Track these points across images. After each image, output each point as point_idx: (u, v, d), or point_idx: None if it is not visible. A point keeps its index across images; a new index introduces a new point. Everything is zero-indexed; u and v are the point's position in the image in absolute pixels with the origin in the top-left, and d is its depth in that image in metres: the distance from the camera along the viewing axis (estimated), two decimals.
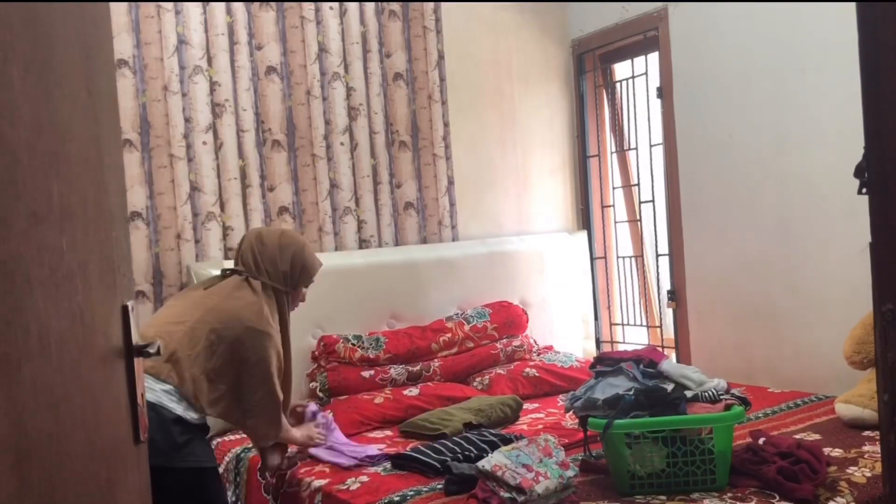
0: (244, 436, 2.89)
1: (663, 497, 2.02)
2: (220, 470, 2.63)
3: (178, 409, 2.04)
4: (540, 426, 2.78)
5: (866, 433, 2.40)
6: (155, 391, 2.02)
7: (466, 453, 2.34)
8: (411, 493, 2.17)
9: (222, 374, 2.10)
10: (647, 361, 2.23)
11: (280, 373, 2.19)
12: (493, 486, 1.98)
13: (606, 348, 4.18)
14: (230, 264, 3.10)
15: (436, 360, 3.31)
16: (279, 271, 2.25)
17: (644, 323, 4.05)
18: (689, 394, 2.16)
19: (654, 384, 2.13)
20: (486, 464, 2.03)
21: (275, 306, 2.24)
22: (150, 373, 2.02)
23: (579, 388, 2.31)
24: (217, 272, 2.39)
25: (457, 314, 3.54)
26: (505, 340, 3.53)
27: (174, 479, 1.97)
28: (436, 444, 2.43)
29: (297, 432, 2.42)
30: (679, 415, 2.08)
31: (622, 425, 2.04)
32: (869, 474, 2.07)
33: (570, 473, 2.00)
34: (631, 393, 2.10)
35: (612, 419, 2.04)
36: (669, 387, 2.13)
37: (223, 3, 3.20)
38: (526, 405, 3.05)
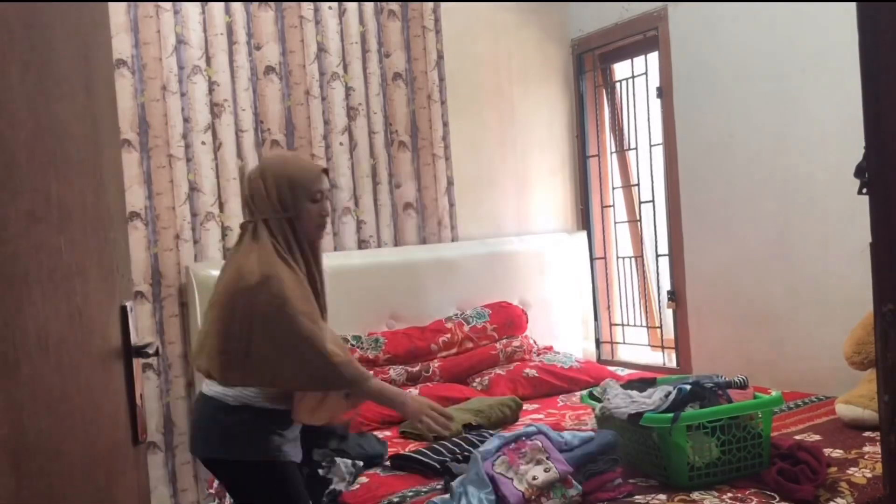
0: None
1: (663, 496, 2.02)
2: None
3: (220, 393, 1.92)
4: None
5: (867, 434, 2.40)
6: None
7: (466, 454, 2.34)
8: (411, 493, 2.17)
9: (235, 341, 1.88)
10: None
11: (308, 311, 1.91)
12: None
13: (606, 349, 4.18)
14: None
15: (435, 360, 3.31)
16: (269, 201, 1.96)
17: (644, 323, 4.04)
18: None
19: (696, 380, 2.18)
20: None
21: (272, 245, 1.93)
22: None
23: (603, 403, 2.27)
24: (216, 273, 2.34)
25: (456, 315, 3.54)
26: (504, 341, 3.52)
27: (232, 471, 1.93)
28: (435, 445, 2.43)
29: (408, 399, 2.05)
30: (727, 403, 2.12)
31: (689, 416, 2.05)
32: (869, 475, 2.07)
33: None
34: (687, 386, 2.12)
35: (678, 413, 2.04)
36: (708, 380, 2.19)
37: (222, 3, 3.20)
38: (526, 406, 3.05)
